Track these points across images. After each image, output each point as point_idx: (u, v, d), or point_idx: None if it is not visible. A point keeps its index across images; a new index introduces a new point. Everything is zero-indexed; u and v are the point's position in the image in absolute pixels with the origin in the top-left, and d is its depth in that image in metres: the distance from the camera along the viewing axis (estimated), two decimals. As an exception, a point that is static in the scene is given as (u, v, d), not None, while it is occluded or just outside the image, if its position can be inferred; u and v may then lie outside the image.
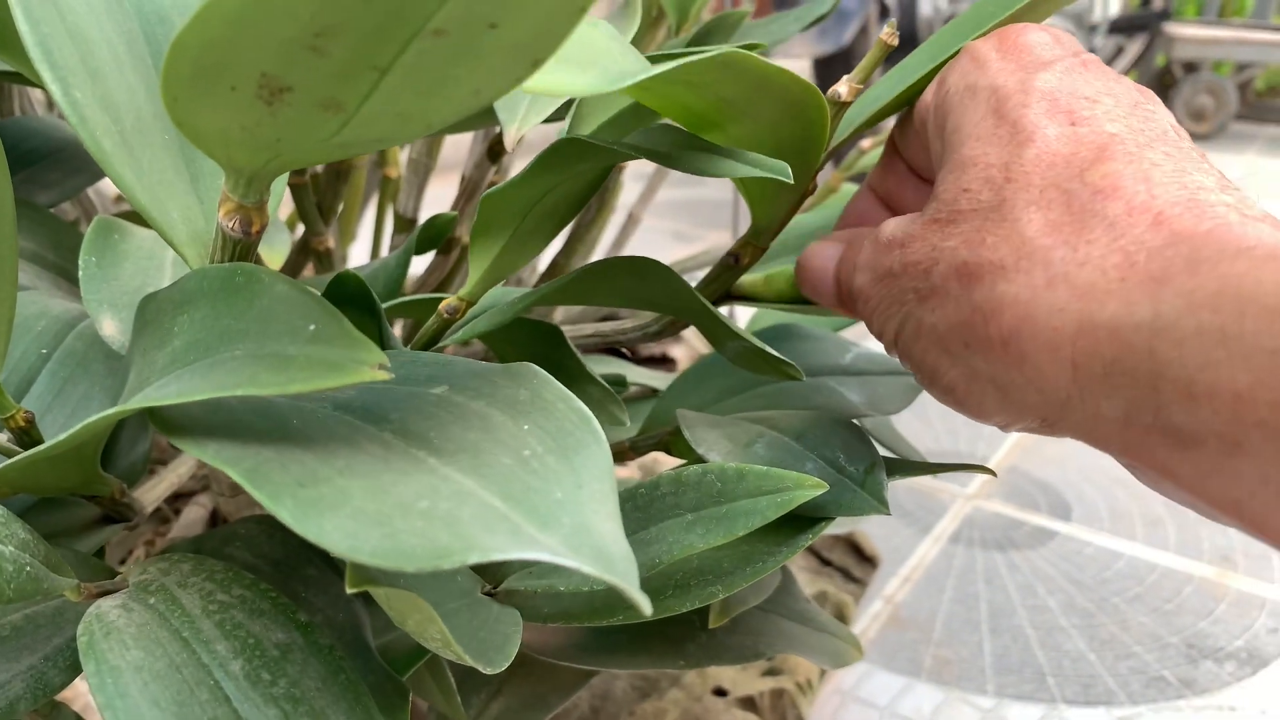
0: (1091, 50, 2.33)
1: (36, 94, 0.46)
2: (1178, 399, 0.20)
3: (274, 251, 0.39)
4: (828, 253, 0.32)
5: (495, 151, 0.47)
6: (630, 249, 0.70)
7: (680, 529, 0.29)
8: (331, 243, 0.49)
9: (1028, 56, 0.27)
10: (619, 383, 0.44)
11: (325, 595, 0.30)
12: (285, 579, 0.31)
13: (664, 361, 0.81)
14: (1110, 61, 2.58)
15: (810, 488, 0.29)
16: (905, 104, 0.31)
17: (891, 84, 0.32)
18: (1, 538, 0.22)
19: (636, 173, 1.62)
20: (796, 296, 0.35)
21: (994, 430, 0.95)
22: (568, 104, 0.36)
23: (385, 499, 0.19)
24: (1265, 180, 2.10)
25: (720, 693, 0.54)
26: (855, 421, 0.35)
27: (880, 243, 0.29)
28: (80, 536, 0.30)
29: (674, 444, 0.38)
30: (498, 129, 0.45)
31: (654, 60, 0.25)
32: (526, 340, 0.37)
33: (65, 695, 0.49)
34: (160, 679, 0.22)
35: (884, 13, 1.74)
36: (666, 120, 0.31)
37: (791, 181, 0.27)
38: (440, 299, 0.32)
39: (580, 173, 0.29)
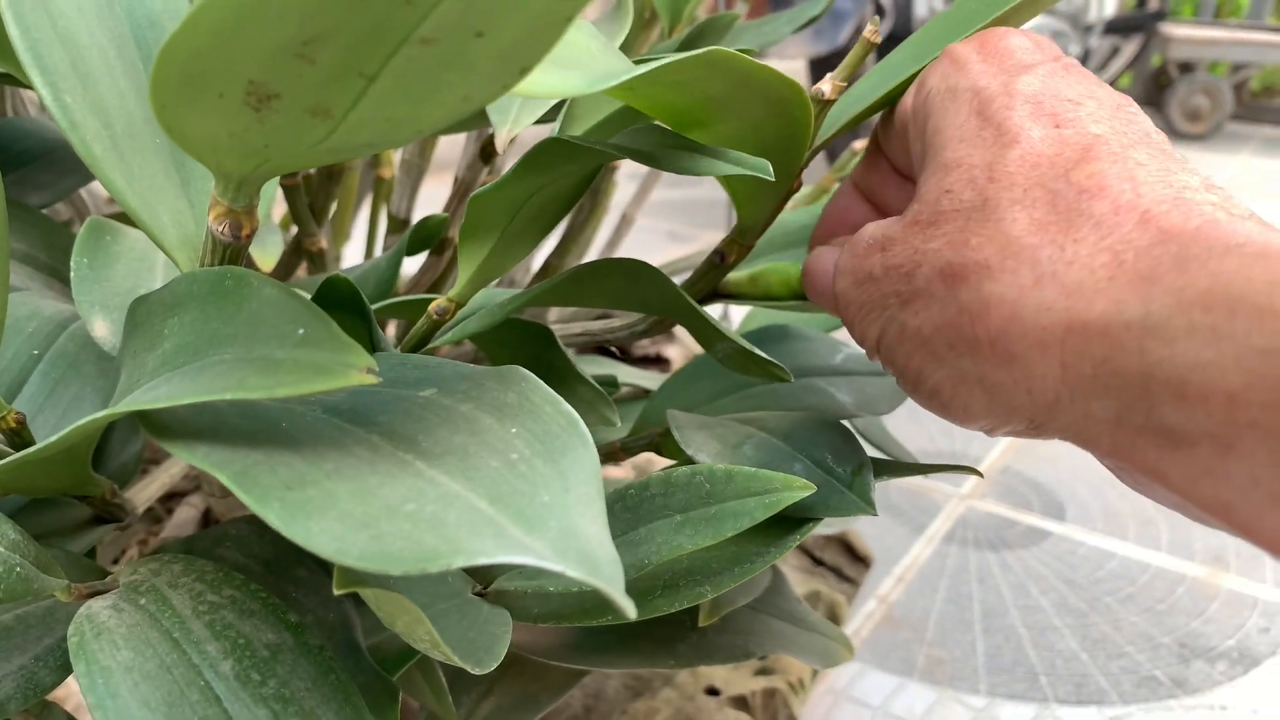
0: (1087, 51, 2.33)
1: (29, 95, 0.46)
2: (1169, 399, 0.20)
3: (266, 253, 0.39)
4: (830, 257, 0.32)
5: (487, 153, 0.48)
6: (625, 249, 0.70)
7: (669, 530, 0.29)
8: (325, 243, 0.49)
9: (1009, 60, 0.27)
10: (610, 383, 0.44)
11: (316, 596, 0.31)
12: (276, 579, 0.31)
13: (658, 361, 0.81)
14: (1106, 62, 2.59)
15: (798, 489, 0.29)
16: (890, 102, 0.32)
17: (875, 82, 0.32)
18: (-8, 539, 0.22)
19: (631, 173, 1.62)
20: (783, 295, 0.35)
21: (987, 430, 0.95)
22: (559, 105, 0.36)
23: (372, 502, 0.19)
24: (1260, 180, 2.11)
25: (712, 692, 0.54)
26: (845, 422, 0.35)
27: (860, 246, 0.29)
28: (72, 537, 0.30)
29: (664, 445, 0.39)
30: (490, 130, 0.45)
31: (639, 62, 0.25)
32: (517, 341, 0.37)
33: (57, 694, 0.49)
34: (151, 679, 0.22)
35: (879, 13, 1.74)
36: (656, 122, 0.31)
37: (773, 179, 0.27)
38: (430, 300, 0.32)
39: (567, 173, 0.30)
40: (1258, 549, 0.23)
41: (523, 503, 0.20)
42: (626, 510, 0.31)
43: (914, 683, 0.64)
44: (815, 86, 0.30)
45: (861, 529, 0.77)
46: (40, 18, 0.24)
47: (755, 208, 0.33)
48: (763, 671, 0.57)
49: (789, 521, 0.31)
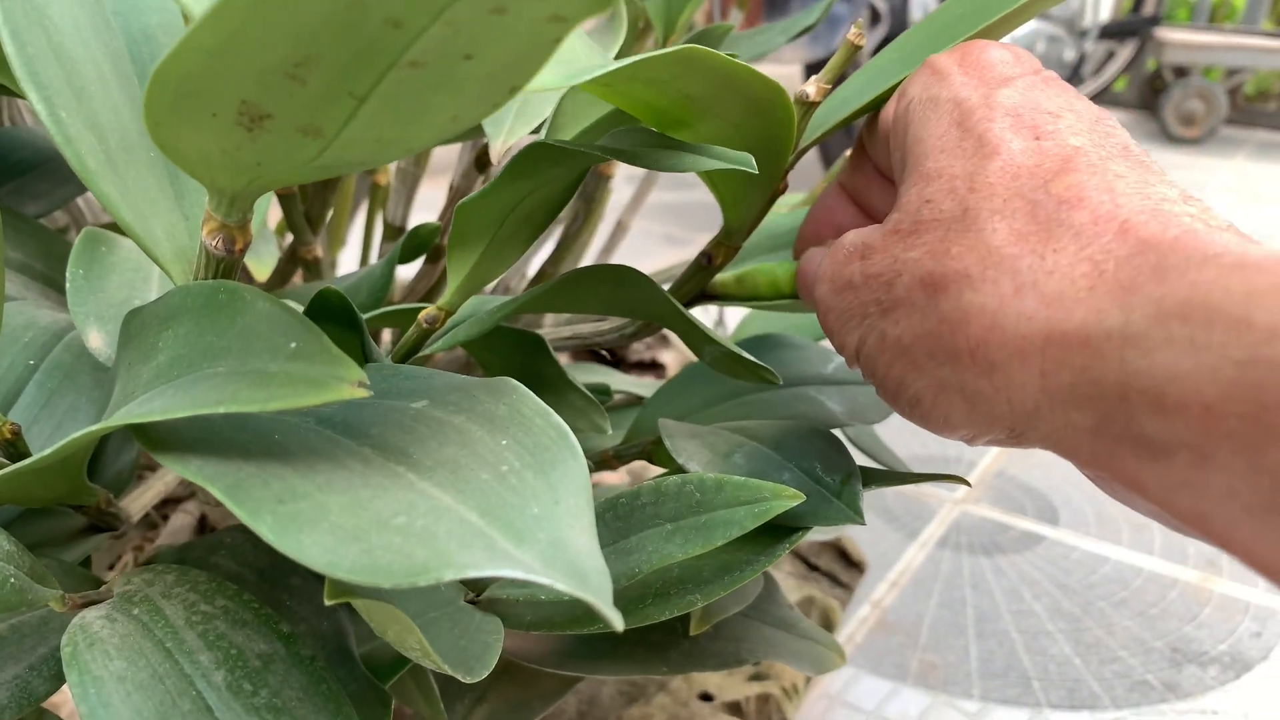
0: (1082, 55, 2.33)
1: (25, 104, 0.47)
2: (1147, 410, 0.21)
3: (261, 262, 0.39)
4: (821, 256, 0.32)
5: (482, 162, 0.48)
6: (621, 253, 0.71)
7: (660, 539, 0.30)
8: (320, 251, 0.49)
9: (989, 73, 0.27)
10: (603, 391, 0.44)
11: (309, 604, 0.31)
12: (270, 588, 0.31)
13: (653, 367, 0.81)
14: (1101, 66, 2.59)
15: (787, 498, 0.29)
16: (878, 106, 0.32)
17: (863, 85, 0.32)
18: (-13, 551, 0.22)
19: (628, 175, 1.62)
20: (770, 295, 0.35)
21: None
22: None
23: (363, 514, 0.19)
24: (1254, 184, 2.11)
25: (706, 698, 0.55)
26: (835, 431, 0.36)
27: (840, 253, 0.29)
28: (66, 546, 0.30)
29: (656, 453, 0.39)
30: (485, 139, 0.45)
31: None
32: (508, 348, 0.37)
33: (53, 702, 0.49)
34: (143, 689, 0.22)
35: (875, 18, 1.75)
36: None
37: (756, 172, 0.27)
38: (421, 309, 0.32)
39: (554, 177, 0.30)
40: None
41: (513, 515, 0.20)
42: (617, 519, 0.31)
43: (907, 688, 0.64)
44: (800, 88, 0.30)
45: (856, 534, 0.77)
46: (36, 33, 0.24)
47: (741, 209, 0.33)
48: (756, 677, 0.57)
49: (779, 530, 0.31)
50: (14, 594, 0.22)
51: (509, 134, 0.36)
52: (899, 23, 1.74)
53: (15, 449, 0.26)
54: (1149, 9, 2.59)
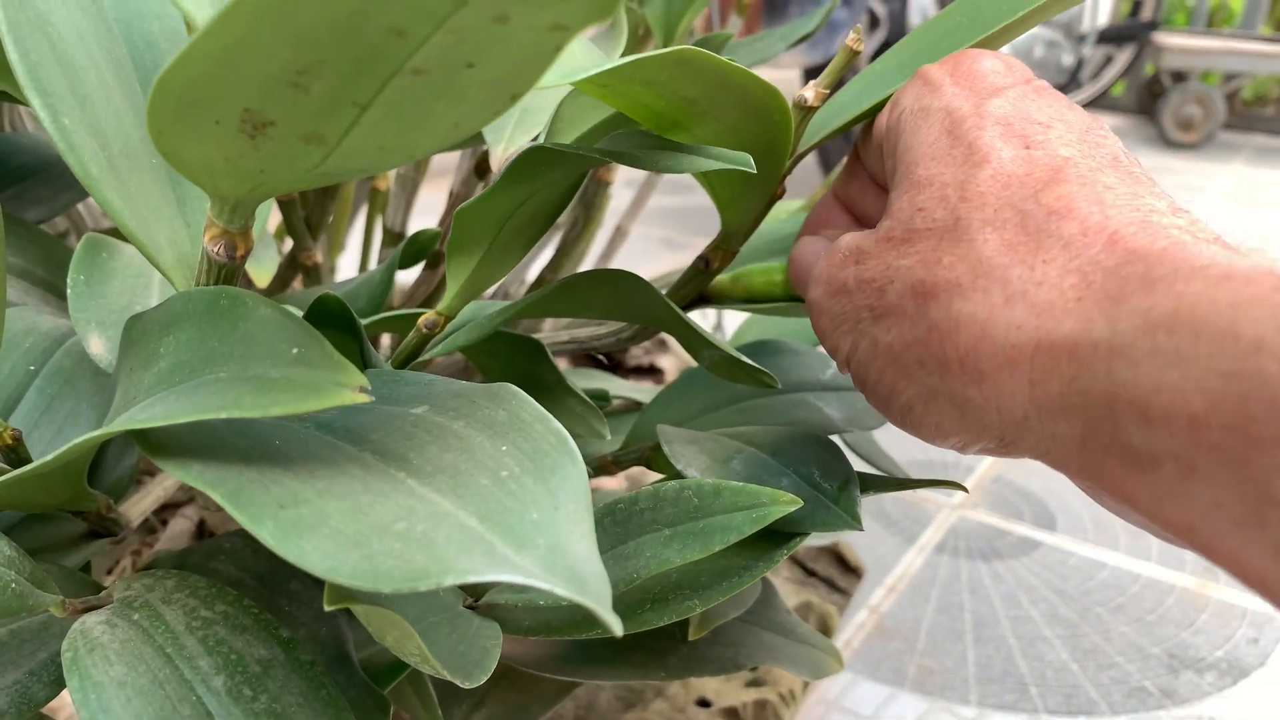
0: (1081, 60, 2.34)
1: (25, 110, 0.47)
2: (1134, 421, 0.21)
3: (261, 268, 0.39)
4: (815, 248, 0.32)
5: (482, 168, 0.48)
6: (620, 257, 0.71)
7: (658, 544, 0.30)
8: (320, 257, 0.49)
9: (981, 83, 0.27)
10: (602, 397, 0.45)
11: (309, 609, 0.31)
12: (270, 593, 0.31)
13: (652, 372, 0.82)
14: (1099, 71, 2.60)
15: (785, 504, 0.29)
16: (877, 111, 0.32)
17: (860, 90, 0.33)
18: (-12, 556, 0.22)
19: (628, 179, 1.62)
20: (765, 294, 0.35)
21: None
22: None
23: (363, 520, 0.19)
24: (1252, 189, 2.12)
25: (704, 703, 0.55)
26: (833, 437, 0.36)
27: (836, 256, 0.29)
28: (66, 551, 0.30)
29: (654, 459, 0.39)
30: (485, 145, 0.45)
31: None
32: (507, 353, 0.37)
33: (51, 706, 0.49)
34: (143, 695, 0.22)
35: (874, 23, 1.75)
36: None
37: (754, 171, 0.27)
38: (420, 314, 0.32)
39: (553, 182, 0.30)
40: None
41: (512, 520, 0.20)
42: (616, 524, 0.31)
43: (905, 693, 0.64)
44: (798, 93, 0.30)
45: (853, 539, 0.77)
46: (39, 40, 0.24)
47: (738, 212, 0.33)
48: (754, 683, 0.57)
49: (777, 536, 0.31)
50: (15, 599, 0.23)
51: (509, 141, 0.36)
52: (898, 28, 1.75)
53: (16, 454, 0.26)
54: (1147, 14, 2.60)
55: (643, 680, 0.48)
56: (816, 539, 0.74)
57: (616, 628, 0.18)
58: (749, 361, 0.33)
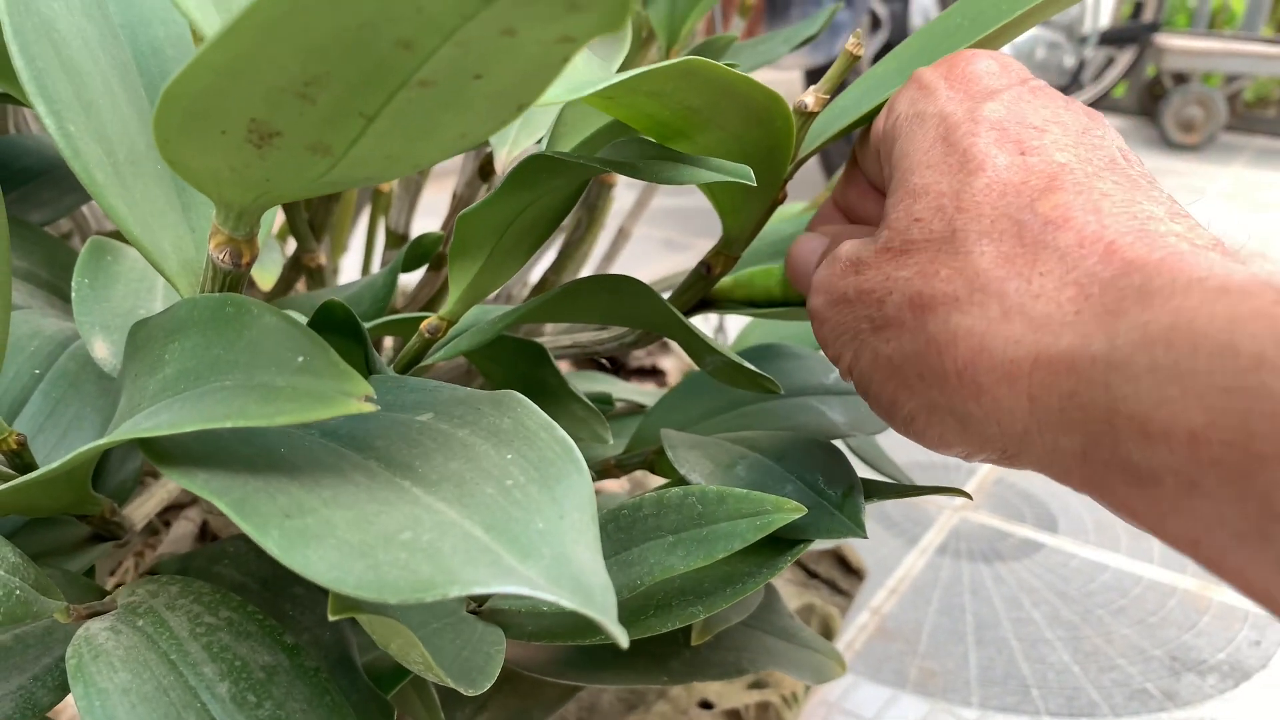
0: (1082, 61, 2.33)
1: (30, 112, 0.47)
2: (1134, 436, 0.20)
3: (266, 271, 0.39)
4: (812, 245, 0.32)
5: (486, 171, 0.48)
6: (622, 258, 0.71)
7: (662, 550, 0.30)
8: (324, 259, 0.49)
9: (975, 86, 0.27)
10: (605, 401, 0.45)
11: (313, 614, 0.31)
12: (273, 597, 0.31)
13: (654, 373, 0.82)
14: (1101, 72, 2.60)
15: (789, 511, 0.29)
16: (876, 115, 0.32)
17: (860, 95, 0.32)
18: (-7, 562, 0.22)
19: (630, 181, 1.62)
20: (765, 299, 0.36)
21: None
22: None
23: (369, 530, 0.19)
24: (1253, 190, 2.12)
25: (706, 706, 0.55)
26: (837, 442, 0.36)
27: (836, 264, 0.29)
28: (70, 555, 0.30)
29: (658, 463, 0.39)
30: (489, 148, 0.45)
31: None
32: (510, 357, 0.37)
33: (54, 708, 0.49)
34: (148, 701, 0.22)
35: (875, 24, 1.75)
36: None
37: (754, 184, 0.27)
38: (423, 318, 0.32)
39: (555, 188, 0.30)
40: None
41: (518, 530, 0.20)
42: (620, 530, 0.31)
43: (907, 695, 0.64)
44: (799, 98, 0.30)
45: (855, 541, 0.77)
46: (44, 46, 0.24)
47: (740, 218, 0.33)
48: (756, 685, 0.57)
49: (781, 542, 0.31)
50: (20, 606, 0.23)
51: (513, 145, 0.36)
52: (899, 29, 1.75)
53: (20, 459, 0.26)
54: (1149, 15, 2.60)
55: (645, 684, 0.48)
56: (819, 541, 0.74)
57: (622, 639, 0.18)
58: (751, 367, 0.33)
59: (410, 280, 0.55)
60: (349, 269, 0.70)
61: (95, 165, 0.24)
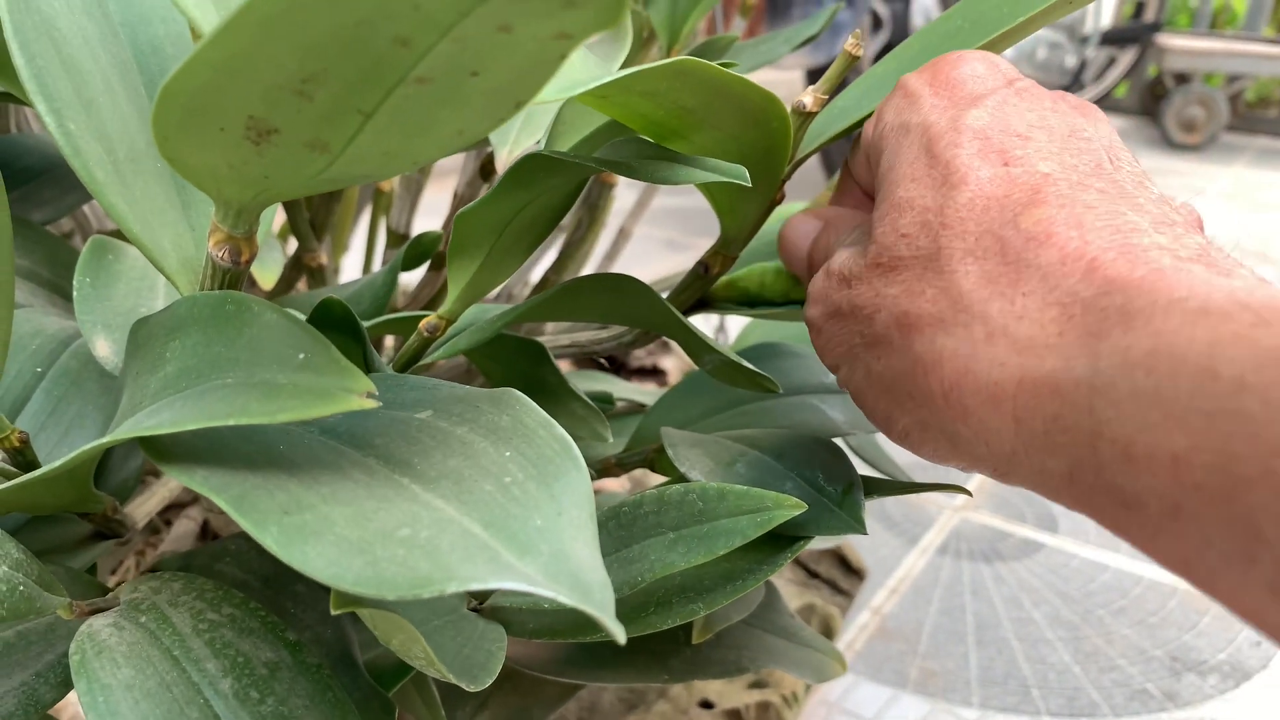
0: (1084, 62, 2.32)
1: (31, 111, 0.47)
2: (1118, 460, 0.20)
3: (266, 270, 0.39)
4: (805, 227, 0.32)
5: (487, 170, 0.48)
6: (622, 258, 0.71)
7: (662, 547, 0.30)
8: (324, 258, 0.49)
9: (959, 91, 0.27)
10: (605, 400, 0.45)
11: (314, 611, 0.31)
12: (275, 595, 0.31)
13: (654, 373, 0.82)
14: (1102, 72, 2.60)
15: (789, 508, 0.29)
16: None
17: (859, 96, 0.32)
18: (-5, 559, 0.22)
19: (631, 180, 1.62)
20: (761, 297, 0.36)
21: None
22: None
23: (367, 526, 0.19)
24: (1254, 190, 2.11)
25: (706, 705, 0.55)
26: (837, 440, 0.36)
27: (832, 276, 0.29)
28: (73, 553, 0.30)
29: (658, 461, 0.39)
30: (490, 148, 0.45)
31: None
32: (509, 356, 0.37)
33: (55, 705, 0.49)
34: (151, 697, 0.22)
35: (876, 24, 1.75)
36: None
37: (749, 185, 0.27)
38: (422, 317, 0.32)
39: (553, 187, 0.30)
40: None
41: (516, 527, 0.20)
42: (620, 527, 0.31)
43: (907, 695, 0.64)
44: (797, 99, 0.30)
45: (856, 541, 0.77)
46: (45, 45, 0.24)
47: (738, 218, 0.33)
48: (756, 685, 0.57)
49: (781, 539, 0.31)
50: (23, 602, 0.23)
51: (514, 144, 0.36)
52: (900, 29, 1.75)
53: (23, 456, 0.26)
54: (1150, 15, 2.60)
55: (646, 683, 0.48)
56: (819, 541, 0.74)
57: (620, 636, 0.18)
58: (750, 366, 0.33)
59: (412, 279, 0.55)
60: (350, 268, 0.70)
61: (95, 163, 0.24)
